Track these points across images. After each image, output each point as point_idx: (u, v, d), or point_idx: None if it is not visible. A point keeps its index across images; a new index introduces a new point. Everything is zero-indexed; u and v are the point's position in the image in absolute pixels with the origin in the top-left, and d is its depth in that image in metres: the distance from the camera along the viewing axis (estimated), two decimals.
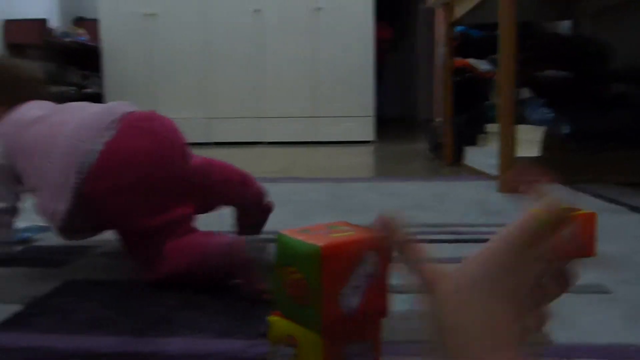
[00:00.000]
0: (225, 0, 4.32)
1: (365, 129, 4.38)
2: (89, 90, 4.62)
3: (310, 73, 4.37)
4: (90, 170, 0.93)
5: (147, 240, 0.95)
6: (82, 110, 1.04)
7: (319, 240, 0.53)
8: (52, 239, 1.30)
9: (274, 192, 1.36)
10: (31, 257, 1.18)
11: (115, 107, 1.02)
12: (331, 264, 0.53)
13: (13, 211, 1.09)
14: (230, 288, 0.91)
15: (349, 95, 4.36)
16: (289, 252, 0.56)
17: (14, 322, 0.82)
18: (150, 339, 0.75)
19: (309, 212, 1.64)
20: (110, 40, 4.50)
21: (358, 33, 4.32)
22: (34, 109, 1.09)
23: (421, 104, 7.60)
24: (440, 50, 3.19)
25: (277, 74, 4.38)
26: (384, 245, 0.51)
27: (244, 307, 0.86)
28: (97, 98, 4.59)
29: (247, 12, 4.32)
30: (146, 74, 4.43)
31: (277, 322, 0.58)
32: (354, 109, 4.37)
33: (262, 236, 1.20)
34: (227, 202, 1.20)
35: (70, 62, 4.73)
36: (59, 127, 0.99)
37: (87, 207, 0.95)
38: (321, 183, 2.20)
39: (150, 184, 0.95)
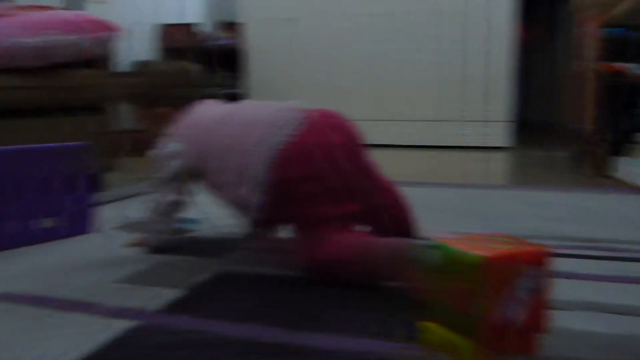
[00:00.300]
0: (362, 3, 4.37)
1: (504, 134, 4.22)
2: (233, 90, 4.87)
3: (437, 73, 4.29)
4: (282, 161, 1.02)
5: (319, 225, 1.01)
6: (265, 109, 1.13)
7: (483, 251, 0.54)
8: (206, 232, 1.40)
9: (409, 197, 1.37)
10: (188, 247, 1.28)
11: (297, 106, 1.11)
12: (496, 275, 0.53)
13: (181, 205, 1.20)
14: (378, 288, 0.93)
15: (487, 99, 4.23)
16: (451, 261, 0.56)
17: (179, 307, 0.90)
18: (303, 333, 0.79)
19: (446, 218, 1.61)
20: (253, 43, 4.74)
21: (497, 34, 4.18)
22: (209, 111, 1.20)
23: (566, 109, 7.20)
24: (588, 53, 3.00)
25: (399, 74, 4.36)
26: (545, 261, 0.50)
27: (392, 308, 0.87)
28: (240, 98, 4.84)
29: (378, 15, 4.34)
30: (287, 75, 4.59)
31: (433, 328, 0.59)
32: (492, 113, 4.23)
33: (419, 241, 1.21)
34: (377, 219, 1.21)
35: (217, 63, 5.03)
36: (248, 127, 1.09)
37: (277, 196, 1.04)
38: (457, 189, 2.16)
39: (332, 174, 1.02)
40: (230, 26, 5.12)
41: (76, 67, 1.90)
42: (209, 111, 1.22)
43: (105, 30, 1.90)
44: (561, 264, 1.11)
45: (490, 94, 4.24)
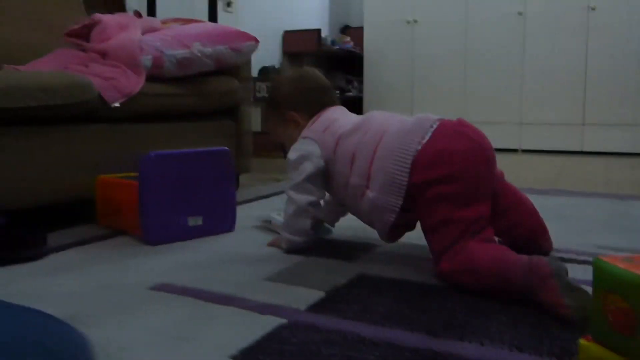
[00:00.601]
0: (487, 3, 4.27)
1: (638, 140, 3.95)
2: (351, 94, 4.95)
3: (578, 77, 4.09)
4: (415, 166, 1.08)
5: (451, 229, 1.03)
6: (394, 118, 1.20)
7: None
8: (339, 235, 1.46)
9: (543, 206, 1.34)
10: (325, 249, 1.33)
11: (427, 116, 1.16)
12: None
13: (318, 206, 1.26)
14: (520, 301, 0.93)
15: (621, 102, 3.98)
16: (613, 280, 0.56)
17: (322, 307, 0.95)
18: (445, 340, 0.81)
19: (586, 230, 1.55)
20: (372, 47, 4.79)
21: (636, 34, 3.91)
22: (341, 119, 1.26)
23: None
24: None
25: (540, 79, 4.20)
26: None
27: (534, 322, 0.87)
28: (358, 101, 4.91)
29: (511, 15, 4.21)
30: (405, 79, 4.60)
31: (590, 347, 0.59)
32: (627, 116, 3.97)
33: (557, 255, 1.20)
34: (508, 226, 1.20)
35: (336, 67, 5.13)
36: (382, 135, 1.16)
37: (411, 199, 1.10)
38: (597, 198, 2.07)
39: (461, 178, 1.05)
40: (350, 31, 5.20)
41: (217, 75, 2.03)
42: (339, 120, 1.28)
43: (244, 40, 2.01)
44: None
45: (625, 96, 3.98)
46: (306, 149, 1.28)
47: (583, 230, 1.54)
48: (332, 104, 1.39)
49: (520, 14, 4.20)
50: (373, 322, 0.88)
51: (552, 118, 4.18)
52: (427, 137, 1.10)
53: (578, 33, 4.06)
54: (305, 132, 1.32)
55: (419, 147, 1.09)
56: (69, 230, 1.54)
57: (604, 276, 0.56)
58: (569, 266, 1.01)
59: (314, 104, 1.37)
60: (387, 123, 1.19)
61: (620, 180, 2.73)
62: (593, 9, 3.99)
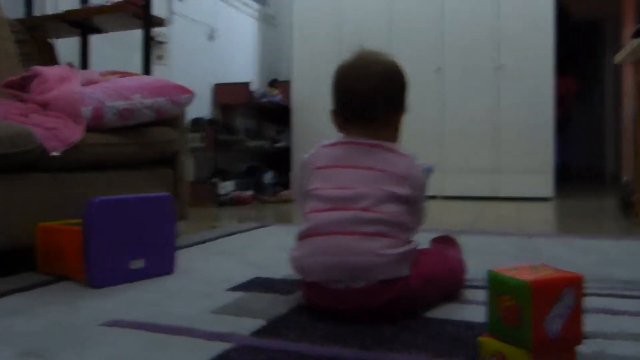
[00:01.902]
0: (410, 60, 4.57)
1: (546, 185, 4.31)
2: (280, 144, 5.11)
3: (490, 128, 4.44)
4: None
5: None
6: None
7: (527, 276, 0.68)
8: (278, 272, 1.56)
9: (465, 244, 1.51)
10: (265, 286, 1.43)
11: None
12: (539, 295, 0.67)
13: None
14: (436, 320, 1.07)
15: (529, 151, 4.34)
16: (503, 285, 0.71)
17: (265, 332, 1.05)
18: (376, 353, 0.93)
19: (499, 263, 1.72)
20: (299, 100, 5.01)
21: (539, 88, 4.32)
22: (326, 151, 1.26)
23: (608, 159, 7.21)
24: (630, 104, 3.10)
25: (457, 129, 4.52)
26: (580, 284, 0.64)
27: (453, 333, 1.01)
28: (286, 151, 5.08)
29: (431, 71, 4.54)
30: (332, 131, 4.81)
31: (488, 341, 0.73)
32: (535, 164, 4.33)
33: None
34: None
35: (266, 119, 5.31)
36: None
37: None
38: (509, 237, 2.28)
39: None
40: (279, 84, 5.41)
41: (156, 125, 2.13)
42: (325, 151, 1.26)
43: (182, 93, 2.13)
44: (604, 303, 1.23)
45: (534, 146, 4.34)
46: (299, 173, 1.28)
47: (497, 263, 1.71)
48: None
49: (439, 69, 4.54)
50: (312, 342, 0.99)
51: (470, 166, 4.48)
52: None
53: (490, 87, 4.43)
54: (402, 148, 1.24)
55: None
56: (9, 278, 1.56)
57: (495, 283, 0.71)
58: (483, 292, 1.16)
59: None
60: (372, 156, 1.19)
61: (529, 221, 3.00)
62: (501, 67, 4.38)
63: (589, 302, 1.21)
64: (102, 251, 1.46)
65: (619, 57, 2.83)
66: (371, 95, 1.21)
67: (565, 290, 0.67)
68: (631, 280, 1.47)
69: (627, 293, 1.33)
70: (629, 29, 4.18)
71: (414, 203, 1.18)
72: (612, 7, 6.64)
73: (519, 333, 0.67)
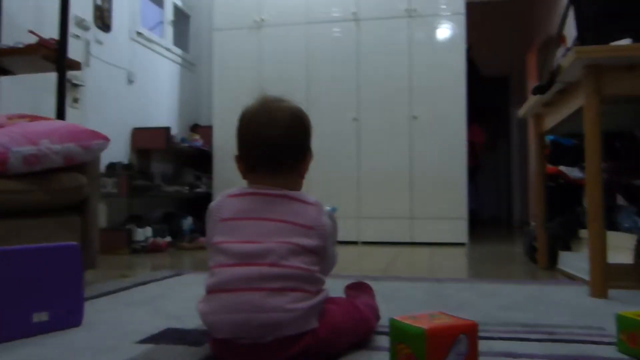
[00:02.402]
0: (327, 109, 4.69)
1: (459, 231, 4.48)
2: (200, 189, 5.06)
3: (406, 176, 4.59)
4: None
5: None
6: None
7: (424, 324, 0.71)
8: (190, 322, 1.53)
9: (377, 290, 1.54)
10: (174, 337, 1.40)
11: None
12: (433, 343, 0.69)
13: None
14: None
15: (443, 198, 4.51)
16: (401, 333, 0.73)
17: None
18: None
19: (410, 308, 1.77)
20: (220, 145, 5.00)
21: (452, 139, 4.53)
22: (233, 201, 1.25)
23: (516, 206, 7.60)
24: (533, 156, 3.31)
25: (374, 177, 4.64)
26: (474, 331, 0.67)
27: None
28: (206, 197, 5.02)
29: (347, 120, 4.67)
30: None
31: None
32: (448, 211, 4.50)
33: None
34: None
35: (186, 164, 5.25)
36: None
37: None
38: (421, 282, 2.34)
39: None
40: (200, 129, 5.39)
41: (64, 171, 2.06)
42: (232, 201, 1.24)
43: (95, 138, 2.08)
44: (505, 346, 1.28)
45: (448, 193, 4.52)
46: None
47: (407, 308, 1.76)
48: None
49: (355, 119, 4.67)
50: None
51: (385, 212, 4.60)
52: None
53: (403, 137, 4.60)
54: (308, 195, 1.24)
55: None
56: None
57: (395, 331, 0.73)
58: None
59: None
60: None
61: (440, 266, 3.10)
62: (415, 117, 4.57)
63: (490, 345, 1.27)
64: (1, 304, 1.38)
65: (521, 111, 3.02)
66: (280, 142, 1.22)
67: (459, 337, 0.70)
68: (530, 323, 1.54)
69: (526, 336, 1.39)
70: (532, 84, 4.49)
71: (322, 252, 1.19)
72: (518, 63, 7.13)
73: None
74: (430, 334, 0.69)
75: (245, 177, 1.28)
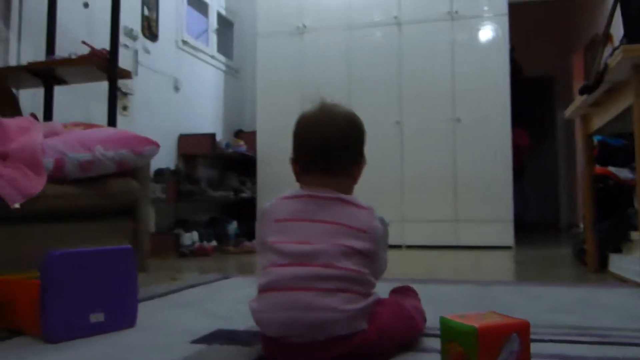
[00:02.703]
0: (369, 113, 4.69)
1: (505, 234, 4.41)
2: (245, 194, 5.13)
3: (449, 179, 4.55)
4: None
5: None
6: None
7: (475, 323, 0.71)
8: (240, 324, 1.56)
9: (422, 293, 1.54)
10: (226, 338, 1.43)
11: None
12: (485, 341, 0.70)
13: None
14: None
15: (488, 201, 4.46)
16: (453, 331, 0.74)
17: None
18: None
19: (456, 310, 1.75)
20: (264, 150, 5.06)
21: (496, 141, 4.48)
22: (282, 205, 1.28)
23: (563, 209, 7.43)
24: (581, 157, 3.24)
25: (417, 180, 4.62)
26: (525, 330, 0.68)
27: None
28: (251, 201, 5.09)
29: (390, 124, 4.67)
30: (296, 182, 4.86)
31: None
32: (494, 214, 4.44)
33: None
34: None
35: (231, 169, 5.34)
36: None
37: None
38: (465, 284, 2.33)
39: None
40: (244, 135, 5.47)
41: (117, 176, 2.13)
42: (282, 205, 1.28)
43: (146, 145, 2.15)
44: (556, 348, 1.27)
45: (493, 196, 4.47)
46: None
47: (454, 310, 1.75)
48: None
49: (397, 123, 4.66)
50: None
51: (429, 215, 4.57)
52: None
53: (447, 140, 4.57)
54: (360, 200, 1.27)
55: None
56: None
57: (446, 329, 0.74)
58: (439, 340, 1.19)
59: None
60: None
61: (485, 269, 3.06)
62: (458, 120, 4.54)
63: (541, 347, 1.26)
64: (59, 304, 1.44)
65: (568, 112, 2.97)
66: (337, 143, 1.25)
67: (511, 336, 0.71)
68: (581, 326, 1.52)
69: (577, 339, 1.37)
70: (578, 85, 4.41)
71: (373, 255, 1.20)
72: (563, 64, 6.99)
73: None
74: (482, 332, 0.69)
75: (298, 179, 1.31)
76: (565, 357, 1.20)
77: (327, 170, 1.26)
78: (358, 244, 1.16)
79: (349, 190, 1.29)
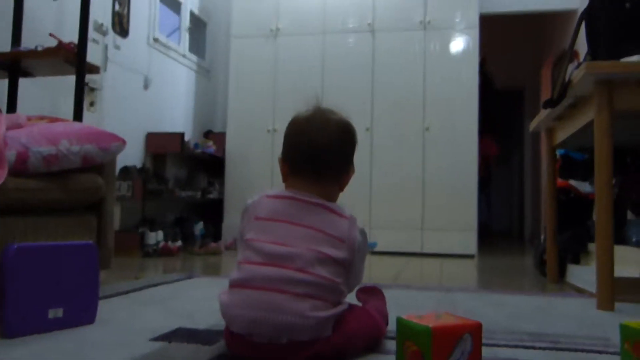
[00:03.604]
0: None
1: (469, 243, 4.48)
2: (212, 195, 5.10)
3: (417, 186, 4.60)
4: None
5: None
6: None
7: (430, 323, 0.73)
8: (202, 322, 1.56)
9: (387, 297, 1.57)
10: (186, 336, 1.43)
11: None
12: (439, 340, 0.72)
13: None
14: None
15: (454, 209, 4.53)
16: (408, 330, 0.76)
17: None
18: None
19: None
20: (233, 151, 5.05)
21: (463, 151, 4.55)
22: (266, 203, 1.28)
23: (528, 219, 7.57)
24: (545, 170, 3.32)
25: (385, 187, 4.66)
26: (478, 330, 0.70)
27: None
28: (218, 203, 5.07)
29: (360, 130, 4.70)
30: (265, 183, 4.86)
31: None
32: (459, 222, 4.51)
33: None
34: None
35: (199, 169, 5.30)
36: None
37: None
38: (429, 291, 2.36)
39: None
40: (213, 135, 5.44)
41: (82, 171, 2.11)
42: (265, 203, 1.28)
43: (112, 141, 2.13)
44: (510, 353, 1.30)
45: (459, 204, 4.53)
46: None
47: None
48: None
49: (367, 129, 4.70)
50: None
51: (396, 223, 4.61)
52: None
53: (416, 148, 4.62)
54: (344, 208, 1.27)
55: None
56: None
57: (402, 328, 0.76)
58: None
59: None
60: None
61: (449, 276, 3.11)
62: (427, 129, 4.60)
63: (496, 352, 1.29)
64: (17, 299, 1.42)
65: (532, 125, 3.03)
66: (329, 149, 1.26)
67: (464, 336, 0.73)
68: (537, 332, 1.56)
69: (531, 344, 1.41)
70: (545, 98, 4.51)
71: (349, 265, 1.21)
72: (532, 76, 7.14)
73: None
74: (435, 331, 0.71)
75: (285, 179, 1.31)
76: None
77: (315, 176, 1.26)
78: (334, 252, 1.17)
79: (334, 197, 1.30)
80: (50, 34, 2.93)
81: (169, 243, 4.09)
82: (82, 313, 1.55)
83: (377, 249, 4.53)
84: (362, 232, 1.26)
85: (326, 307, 1.13)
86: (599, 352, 1.35)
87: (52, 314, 1.48)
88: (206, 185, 5.20)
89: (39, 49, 2.79)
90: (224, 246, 4.46)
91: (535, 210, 7.13)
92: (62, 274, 1.51)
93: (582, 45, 2.41)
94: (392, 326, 1.42)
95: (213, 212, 5.18)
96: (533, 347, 1.37)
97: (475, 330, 0.73)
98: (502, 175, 8.20)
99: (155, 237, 4.00)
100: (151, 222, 4.23)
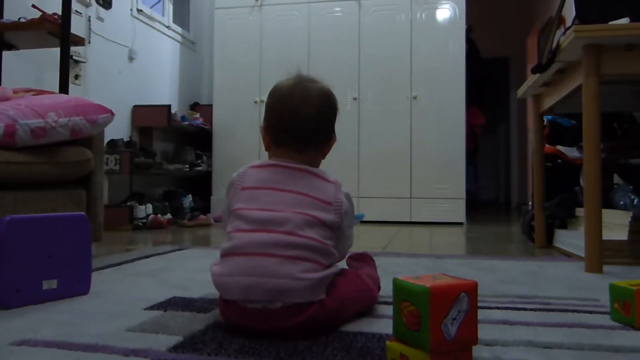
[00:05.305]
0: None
1: (457, 211, 4.52)
2: (200, 168, 5.08)
3: (405, 156, 4.62)
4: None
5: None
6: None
7: (427, 283, 0.74)
8: (196, 292, 1.57)
9: (379, 265, 1.59)
10: (181, 305, 1.44)
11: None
12: (436, 300, 0.73)
13: None
14: (348, 333, 1.12)
15: (442, 179, 4.55)
16: (405, 291, 0.77)
17: (182, 347, 1.06)
18: None
19: None
20: (220, 124, 5.02)
21: (451, 120, 4.56)
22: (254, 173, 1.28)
23: (515, 188, 7.65)
24: (532, 137, 3.34)
25: (373, 157, 4.67)
26: (474, 290, 0.71)
27: (362, 344, 1.06)
28: (207, 175, 5.06)
29: (347, 99, 4.69)
30: (253, 155, 4.84)
31: (393, 345, 0.79)
32: (447, 191, 4.55)
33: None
34: None
35: (186, 142, 5.27)
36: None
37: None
38: (420, 257, 2.39)
39: None
40: (200, 108, 5.40)
41: (71, 144, 2.09)
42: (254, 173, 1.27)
43: (100, 112, 2.11)
44: (503, 315, 1.33)
45: (446, 174, 4.56)
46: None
47: None
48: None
49: (355, 99, 4.69)
50: (228, 355, 1.01)
51: (385, 192, 4.64)
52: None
53: (404, 118, 4.63)
54: (328, 174, 1.28)
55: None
56: None
57: (398, 289, 0.77)
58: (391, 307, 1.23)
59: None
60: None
61: (439, 244, 3.14)
62: (415, 97, 4.60)
63: (489, 314, 1.32)
64: (11, 270, 1.42)
65: (520, 91, 3.04)
66: (312, 120, 1.26)
67: (461, 295, 0.74)
68: (526, 295, 1.59)
69: (522, 306, 1.44)
70: (531, 66, 4.52)
71: (337, 229, 1.22)
72: (518, 45, 7.13)
73: (419, 336, 0.73)
74: (433, 291, 0.72)
75: (268, 148, 1.31)
76: (510, 323, 1.26)
77: (299, 145, 1.26)
78: (322, 215, 1.18)
79: (316, 164, 1.31)
80: (33, 5, 2.87)
81: (158, 216, 4.08)
82: (76, 284, 1.56)
83: (366, 218, 4.56)
84: (348, 196, 1.28)
85: (318, 269, 1.14)
86: (589, 312, 1.38)
87: (46, 285, 1.48)
88: (194, 158, 5.17)
89: (22, 20, 2.73)
90: (213, 218, 4.47)
91: (523, 180, 7.19)
92: (55, 245, 1.51)
93: (569, 12, 2.41)
94: (384, 291, 1.45)
95: (202, 185, 5.16)
96: (524, 309, 1.40)
97: (472, 290, 0.74)
98: (489, 145, 8.24)
99: (144, 211, 4.00)
100: (140, 196, 4.22)
